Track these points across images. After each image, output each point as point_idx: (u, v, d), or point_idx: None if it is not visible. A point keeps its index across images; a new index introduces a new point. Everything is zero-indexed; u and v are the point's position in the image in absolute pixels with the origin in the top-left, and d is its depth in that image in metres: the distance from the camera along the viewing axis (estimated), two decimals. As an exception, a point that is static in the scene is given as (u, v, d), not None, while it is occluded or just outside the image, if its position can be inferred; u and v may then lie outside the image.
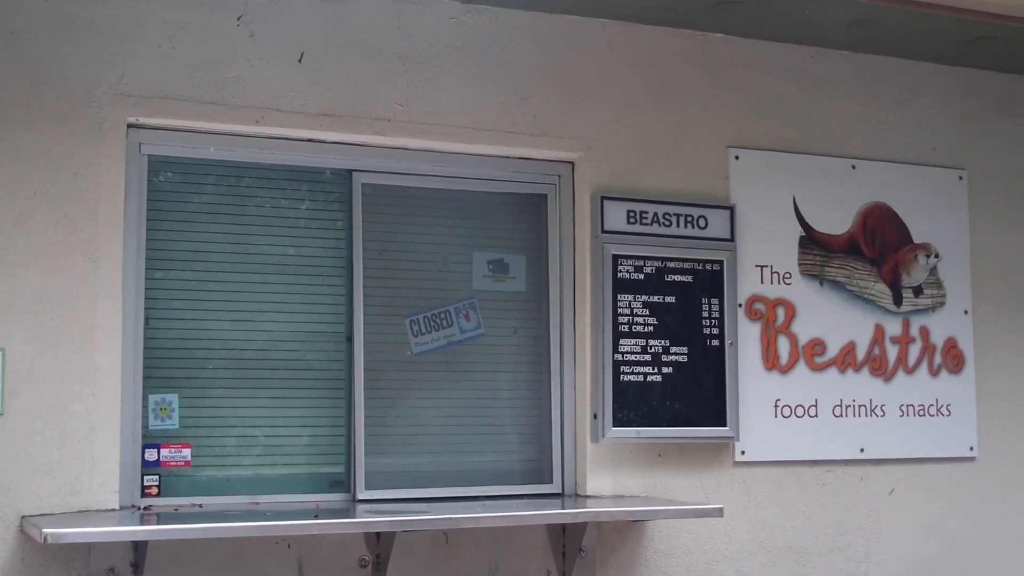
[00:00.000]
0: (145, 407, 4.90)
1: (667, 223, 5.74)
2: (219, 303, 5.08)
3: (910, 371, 6.23)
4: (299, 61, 5.17)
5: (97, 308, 4.73)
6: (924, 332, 6.28)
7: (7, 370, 4.57)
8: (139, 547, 4.63)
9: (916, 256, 6.31)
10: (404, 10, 5.38)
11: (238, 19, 5.09)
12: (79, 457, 4.66)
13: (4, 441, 4.57)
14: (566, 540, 5.36)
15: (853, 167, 6.22)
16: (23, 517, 4.55)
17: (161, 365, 4.95)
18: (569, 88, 5.67)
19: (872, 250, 6.22)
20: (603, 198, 5.61)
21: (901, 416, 6.17)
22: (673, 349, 5.68)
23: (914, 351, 6.25)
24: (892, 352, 6.20)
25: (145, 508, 4.83)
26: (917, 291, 6.30)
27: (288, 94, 5.14)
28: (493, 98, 5.52)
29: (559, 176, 5.71)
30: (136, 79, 4.89)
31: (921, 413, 6.22)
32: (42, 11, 4.77)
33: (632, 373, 5.58)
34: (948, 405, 6.29)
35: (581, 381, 5.58)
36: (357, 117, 5.25)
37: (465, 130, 5.45)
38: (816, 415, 5.98)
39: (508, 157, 5.61)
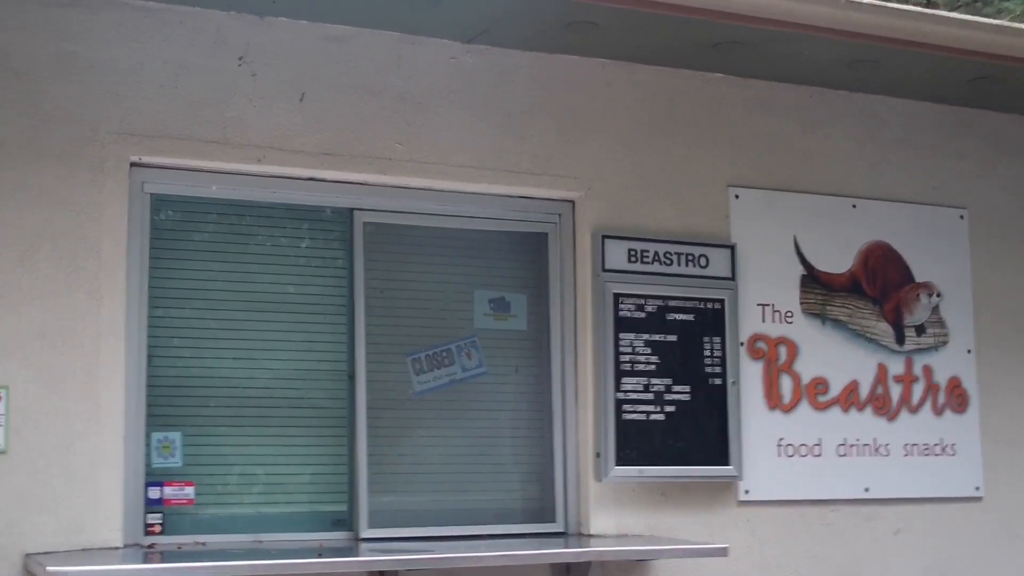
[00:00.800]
0: (148, 445, 5.05)
1: (668, 262, 5.93)
2: (221, 341, 5.25)
3: (914, 410, 6.40)
4: (300, 101, 5.38)
5: (100, 346, 4.90)
6: (927, 371, 6.46)
7: (11, 408, 4.72)
8: (142, 586, 4.76)
9: (918, 295, 6.51)
10: (404, 50, 5.59)
11: (239, 59, 5.30)
12: (83, 495, 4.80)
13: (8, 479, 4.71)
14: (570, 580, 5.50)
15: (854, 206, 6.43)
16: (27, 555, 4.68)
17: (164, 403, 5.11)
18: (569, 127, 5.88)
19: (874, 289, 6.41)
20: (604, 236, 5.81)
21: (906, 456, 6.33)
22: (675, 388, 5.85)
23: (918, 390, 6.42)
24: (895, 391, 6.37)
25: (149, 546, 4.95)
26: (920, 330, 6.48)
27: (289, 133, 5.34)
28: (493, 137, 5.73)
29: (560, 215, 5.90)
30: (138, 118, 5.09)
31: (926, 452, 6.38)
32: (45, 51, 4.97)
33: (634, 412, 5.75)
34: (953, 444, 6.45)
35: (583, 420, 5.74)
36: (358, 156, 5.45)
37: (465, 169, 5.65)
38: (820, 454, 6.14)
39: (509, 196, 5.81)
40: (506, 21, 5.50)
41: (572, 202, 5.92)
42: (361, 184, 5.52)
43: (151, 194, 5.17)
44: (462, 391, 5.67)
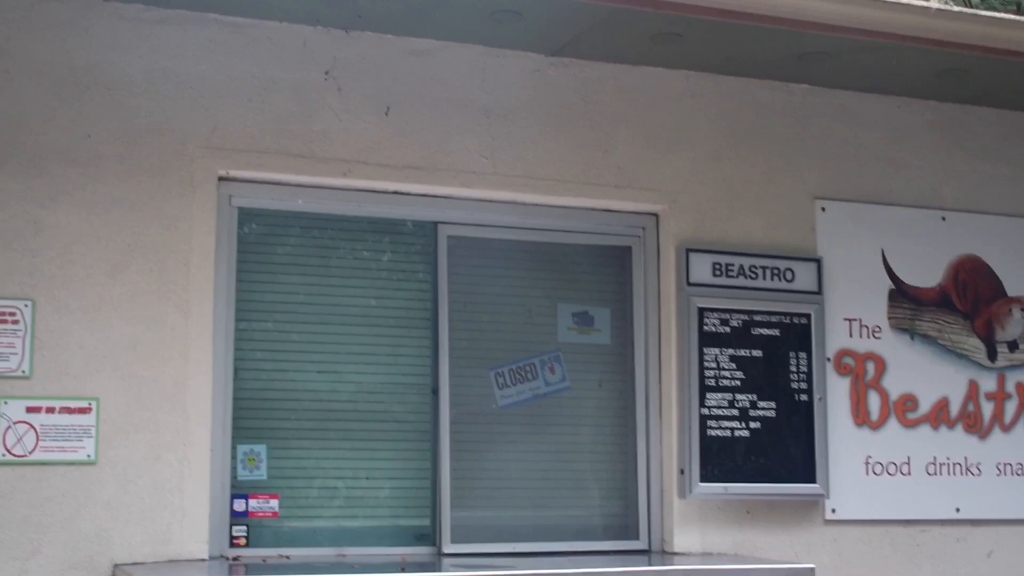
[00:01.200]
0: (234, 457, 5.17)
1: (753, 275, 5.94)
2: (307, 354, 5.36)
3: (1007, 428, 6.34)
4: (385, 114, 5.48)
5: (188, 358, 5.02)
6: (1021, 388, 6.40)
7: (101, 419, 4.86)
8: (227, 598, 4.87)
9: (1011, 310, 6.45)
10: (488, 63, 5.67)
11: (326, 74, 5.41)
12: (170, 506, 4.93)
13: (98, 489, 4.85)
14: (653, 598, 5.52)
15: (943, 219, 6.39)
16: (116, 565, 4.81)
17: (249, 415, 5.23)
18: (653, 140, 5.92)
19: (964, 304, 6.37)
20: (688, 250, 5.83)
21: (998, 475, 6.28)
22: (761, 404, 5.86)
23: (1011, 408, 6.37)
24: (987, 409, 6.32)
25: (234, 558, 5.07)
26: (1012, 346, 6.42)
27: (375, 147, 5.44)
28: (577, 150, 5.78)
29: (643, 228, 5.94)
30: (227, 132, 5.22)
31: (1020, 472, 6.32)
32: (137, 67, 5.11)
33: (719, 428, 5.76)
34: (1048, 464, 6.40)
35: (667, 435, 5.77)
36: (442, 169, 5.53)
37: (549, 182, 5.71)
38: (909, 473, 6.11)
39: (592, 209, 5.86)
40: (590, 34, 5.56)
41: (656, 215, 5.95)
42: (445, 197, 5.60)
43: (239, 207, 5.29)
44: (545, 406, 5.73)
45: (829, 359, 6.04)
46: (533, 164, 5.70)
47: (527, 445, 5.68)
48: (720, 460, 5.73)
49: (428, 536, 5.43)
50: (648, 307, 5.90)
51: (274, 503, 5.19)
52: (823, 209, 6.17)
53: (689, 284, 5.82)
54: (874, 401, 6.11)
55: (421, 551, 5.38)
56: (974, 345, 6.35)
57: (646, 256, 5.93)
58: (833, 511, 5.94)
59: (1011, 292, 6.47)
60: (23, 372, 4.79)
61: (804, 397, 5.93)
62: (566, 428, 5.76)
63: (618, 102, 5.89)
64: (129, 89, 5.10)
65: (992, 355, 6.38)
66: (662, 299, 5.88)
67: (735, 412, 5.80)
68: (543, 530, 5.61)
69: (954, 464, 6.21)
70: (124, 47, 5.10)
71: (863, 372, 6.12)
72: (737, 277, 5.92)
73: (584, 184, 5.78)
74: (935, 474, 6.16)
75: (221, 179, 5.22)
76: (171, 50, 5.17)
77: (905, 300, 6.25)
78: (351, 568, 4.91)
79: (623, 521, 5.79)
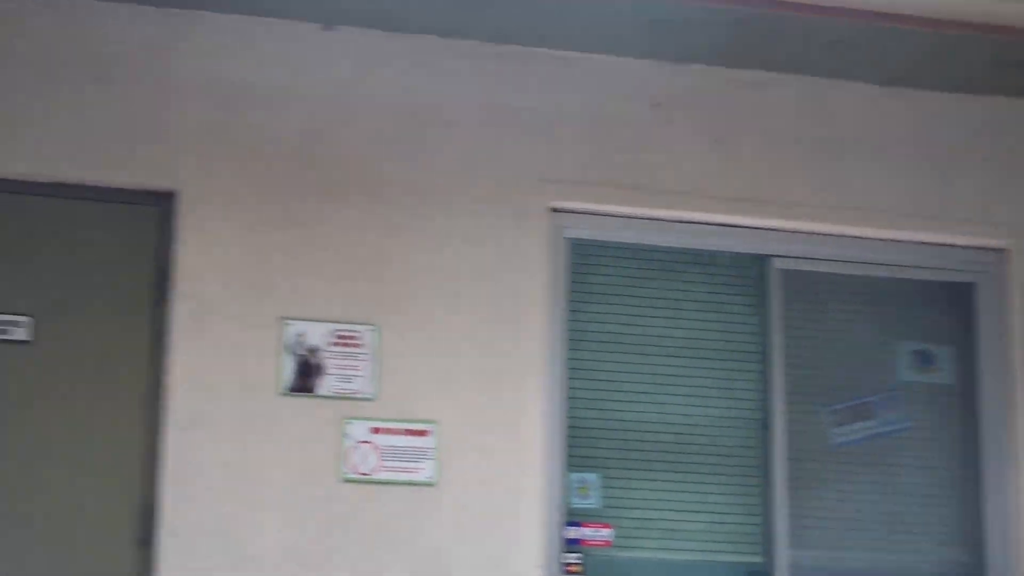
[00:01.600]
0: (566, 485, 5.41)
1: (1114, 318, 5.83)
2: (635, 384, 5.57)
3: None
4: (715, 146, 5.70)
5: (523, 386, 5.32)
6: None
7: (439, 442, 5.21)
8: (560, 626, 5.10)
9: None
10: (821, 94, 5.81)
11: (655, 106, 5.69)
12: (505, 531, 5.20)
13: (436, 511, 5.17)
14: (1003, 655, 5.43)
15: None
16: (452, 586, 5.13)
17: (580, 444, 5.47)
18: (998, 172, 5.91)
19: None
20: (1041, 288, 5.80)
21: None
22: None
23: None
24: None
25: (571, 586, 5.30)
26: None
27: (704, 179, 5.65)
28: (915, 183, 5.84)
29: (989, 264, 5.92)
30: (558, 165, 5.54)
31: None
32: (474, 101, 5.51)
33: (1081, 479, 5.66)
34: None
35: (1019, 482, 5.69)
36: (773, 202, 5.69)
37: (885, 216, 5.78)
38: None
39: (932, 244, 5.87)
40: (928, 62, 5.63)
41: (1003, 251, 5.92)
42: (776, 230, 5.74)
43: (570, 239, 5.59)
44: (883, 445, 5.74)
45: None
46: (868, 197, 5.79)
47: (864, 485, 5.69)
48: (1080, 513, 5.62)
49: (762, 574, 5.51)
50: (995, 347, 5.85)
51: (606, 532, 5.38)
52: None
53: (1042, 324, 5.77)
54: None
55: (755, 589, 5.49)
56: None
57: (992, 293, 5.90)
58: None
59: None
60: (366, 394, 5.20)
61: None
62: (904, 469, 5.75)
63: (959, 133, 5.92)
64: (466, 122, 5.49)
65: None
66: (1012, 339, 5.83)
67: (1098, 463, 5.68)
68: (883, 574, 5.62)
69: None
70: (462, 82, 5.50)
71: None
72: (1096, 319, 5.82)
73: (923, 218, 5.82)
74: None
75: (553, 210, 5.53)
76: (506, 84, 5.54)
77: None
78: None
79: (967, 570, 5.71)
